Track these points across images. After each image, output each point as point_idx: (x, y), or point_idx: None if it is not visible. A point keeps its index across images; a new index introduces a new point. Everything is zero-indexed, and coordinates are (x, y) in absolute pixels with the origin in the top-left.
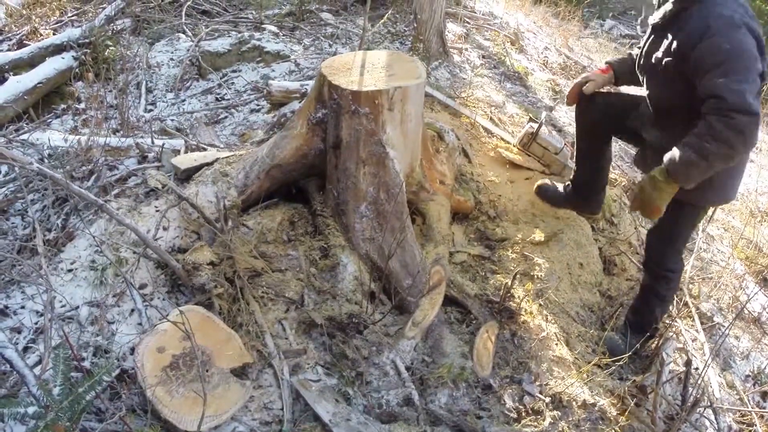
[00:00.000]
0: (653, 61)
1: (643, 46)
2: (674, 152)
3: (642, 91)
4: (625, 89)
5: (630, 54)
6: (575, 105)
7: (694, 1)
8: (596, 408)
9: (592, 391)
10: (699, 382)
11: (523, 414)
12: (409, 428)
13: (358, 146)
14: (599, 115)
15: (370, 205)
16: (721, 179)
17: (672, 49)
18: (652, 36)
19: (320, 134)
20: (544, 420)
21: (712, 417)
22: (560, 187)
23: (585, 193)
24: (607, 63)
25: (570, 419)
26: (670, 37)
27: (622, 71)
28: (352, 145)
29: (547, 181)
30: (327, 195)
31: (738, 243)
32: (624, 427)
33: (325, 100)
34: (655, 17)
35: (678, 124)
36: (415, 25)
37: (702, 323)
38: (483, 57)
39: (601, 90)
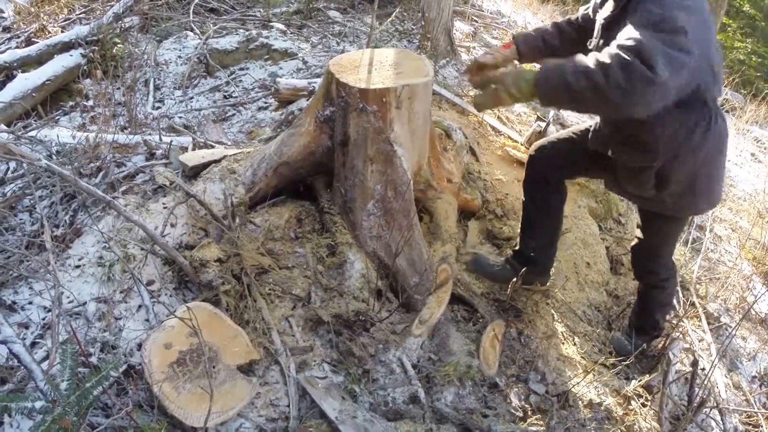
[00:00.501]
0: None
1: (593, 49)
2: (557, 62)
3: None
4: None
5: (539, 29)
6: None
7: None
8: (602, 407)
9: (598, 391)
10: (705, 382)
11: (530, 413)
12: (415, 426)
13: (365, 144)
14: (552, 158)
15: (378, 203)
16: (704, 185)
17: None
18: (602, 32)
19: (328, 132)
20: (551, 419)
21: (718, 418)
22: (496, 260)
23: (542, 260)
24: (512, 37)
25: (576, 418)
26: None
27: (528, 47)
28: (360, 142)
29: (481, 252)
30: (334, 192)
31: (745, 243)
32: (630, 426)
33: (333, 98)
34: (602, 14)
35: (640, 126)
36: (423, 23)
37: (709, 324)
38: None
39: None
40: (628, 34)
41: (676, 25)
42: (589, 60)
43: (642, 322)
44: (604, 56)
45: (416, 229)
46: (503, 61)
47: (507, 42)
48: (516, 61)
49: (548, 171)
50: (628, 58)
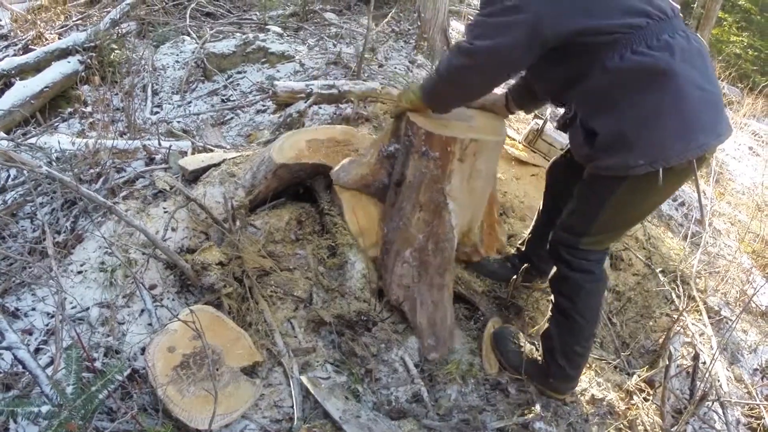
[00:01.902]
0: None
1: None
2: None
3: None
4: None
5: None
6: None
7: None
8: (604, 402)
9: (600, 386)
10: (707, 376)
11: (531, 409)
12: (418, 424)
13: (419, 189)
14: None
15: (416, 252)
16: (635, 133)
17: None
18: None
19: (387, 168)
20: (553, 415)
21: (720, 411)
22: (496, 258)
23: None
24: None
25: (578, 414)
26: None
27: (516, 93)
28: (414, 186)
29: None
30: (381, 228)
31: (745, 237)
32: (632, 421)
33: (400, 135)
34: None
35: (537, 82)
36: (419, 23)
37: (709, 317)
38: None
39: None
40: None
41: (502, 11)
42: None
43: (542, 343)
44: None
45: (447, 291)
46: (491, 105)
47: None
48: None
49: (567, 182)
50: (459, 43)
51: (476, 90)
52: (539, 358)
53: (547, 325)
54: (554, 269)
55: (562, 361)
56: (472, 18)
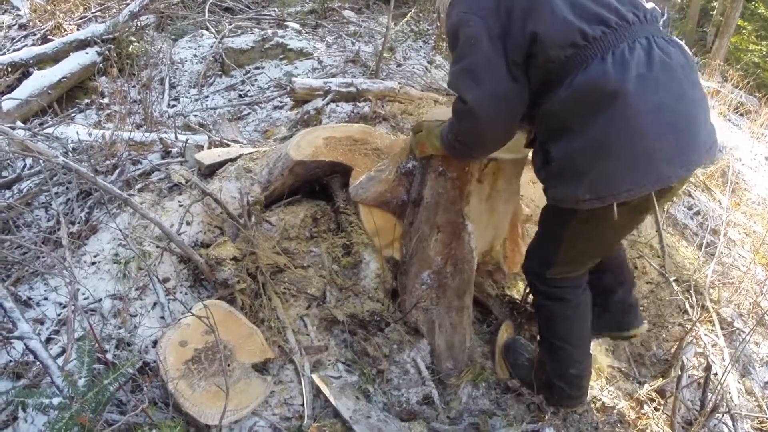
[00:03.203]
0: None
1: None
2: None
3: None
4: None
5: None
6: None
7: None
8: (615, 411)
9: (611, 394)
10: (718, 387)
11: (542, 415)
12: (428, 426)
13: (436, 210)
14: None
15: (434, 274)
16: (584, 163)
17: None
18: None
19: (406, 185)
20: (564, 422)
21: (731, 423)
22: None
23: None
24: None
25: (589, 422)
26: None
27: None
28: (431, 207)
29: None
30: (401, 246)
31: (759, 248)
32: (642, 431)
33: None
34: None
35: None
36: (438, 23)
37: (722, 328)
38: None
39: None
40: None
41: (458, 29)
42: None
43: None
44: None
45: (466, 314)
46: None
47: None
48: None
49: None
50: (454, 103)
51: (498, 140)
52: (541, 374)
53: (538, 350)
54: (533, 300)
55: (561, 383)
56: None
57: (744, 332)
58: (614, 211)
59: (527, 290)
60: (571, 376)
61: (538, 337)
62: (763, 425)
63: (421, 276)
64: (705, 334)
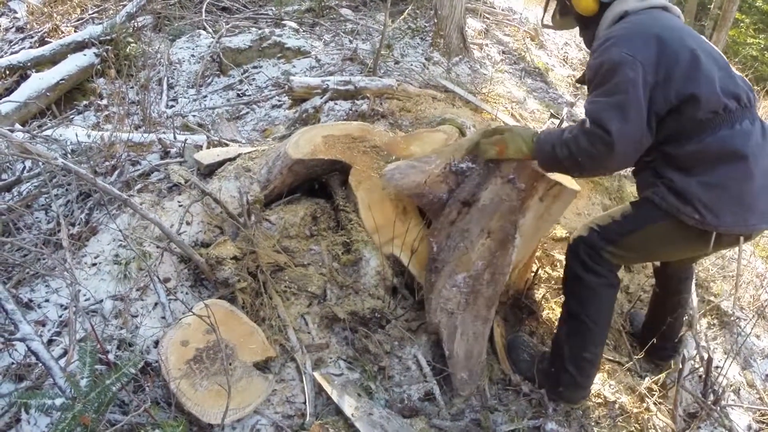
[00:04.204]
0: None
1: None
2: (551, 132)
3: None
4: None
5: (576, 80)
6: None
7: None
8: (617, 405)
9: (612, 388)
10: (719, 380)
11: (544, 410)
12: (430, 422)
13: (492, 215)
14: None
15: (470, 278)
16: (684, 189)
17: None
18: None
19: (451, 184)
20: (566, 417)
21: (732, 416)
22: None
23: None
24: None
25: (590, 416)
26: None
27: None
28: (488, 211)
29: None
30: (428, 243)
31: (759, 241)
32: (644, 424)
33: (479, 156)
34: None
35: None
36: (436, 21)
37: (723, 321)
38: (503, 53)
39: None
40: (585, 103)
41: (612, 72)
42: (569, 130)
43: (551, 351)
44: (576, 126)
45: (488, 327)
46: None
47: None
48: None
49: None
50: (587, 126)
51: (595, 171)
52: (550, 367)
53: (556, 331)
54: (566, 269)
55: (571, 368)
56: (588, 100)
57: (744, 325)
58: (711, 238)
59: (527, 286)
60: (584, 361)
61: (560, 316)
62: (765, 417)
63: (455, 277)
64: (706, 327)
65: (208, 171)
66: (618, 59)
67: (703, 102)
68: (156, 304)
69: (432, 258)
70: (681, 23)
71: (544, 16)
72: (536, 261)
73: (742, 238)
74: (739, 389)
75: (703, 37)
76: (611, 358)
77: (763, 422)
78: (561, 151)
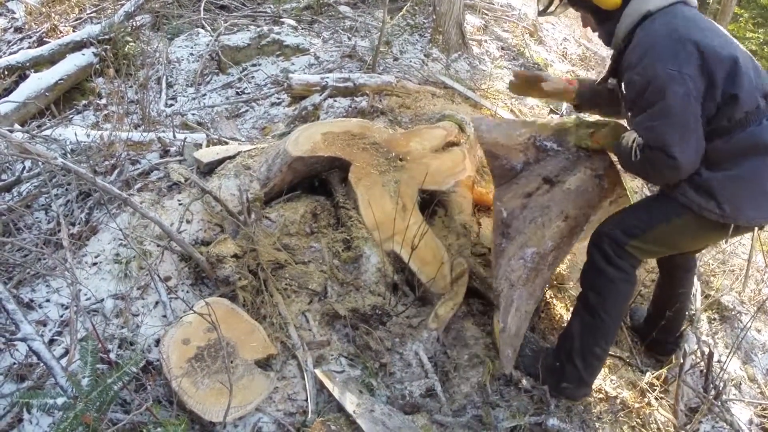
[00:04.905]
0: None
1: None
2: (626, 140)
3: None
4: None
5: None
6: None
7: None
8: (618, 400)
9: (613, 384)
10: (720, 374)
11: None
12: (431, 418)
13: (576, 201)
14: None
15: (537, 255)
16: (709, 185)
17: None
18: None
19: (529, 155)
20: (568, 412)
21: (734, 410)
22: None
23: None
24: (578, 80)
25: (592, 411)
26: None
27: (589, 99)
28: (572, 195)
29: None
30: (495, 205)
31: (760, 235)
32: (646, 419)
33: (567, 141)
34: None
35: None
36: (434, 17)
37: (723, 316)
38: (502, 49)
39: None
40: (636, 125)
41: (659, 89)
42: (633, 154)
43: (558, 345)
44: (639, 153)
45: (535, 304)
46: (553, 91)
47: (572, 79)
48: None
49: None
50: (650, 156)
51: (682, 178)
52: (555, 362)
53: (567, 325)
54: (588, 262)
55: (579, 362)
56: (643, 126)
57: (745, 319)
58: (729, 232)
59: None
60: (593, 356)
61: (573, 310)
62: (766, 412)
63: (525, 250)
64: (707, 322)
65: (208, 169)
66: (665, 77)
67: (742, 102)
68: (157, 302)
69: (502, 222)
70: (707, 20)
71: (539, 6)
72: None
73: (756, 229)
74: (740, 383)
75: (725, 30)
76: (612, 353)
77: (765, 416)
78: (636, 162)
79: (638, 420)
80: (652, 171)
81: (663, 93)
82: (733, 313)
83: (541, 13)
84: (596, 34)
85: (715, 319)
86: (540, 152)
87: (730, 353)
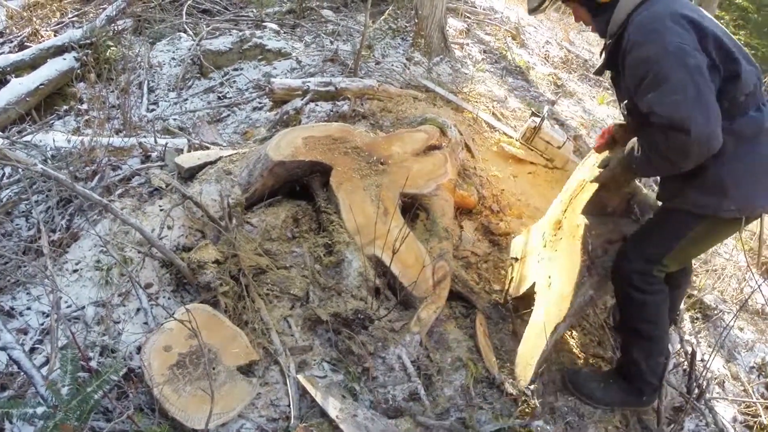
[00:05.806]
0: (625, 111)
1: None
2: (634, 146)
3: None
4: None
5: (594, 72)
6: None
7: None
8: None
9: None
10: (704, 373)
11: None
12: (415, 421)
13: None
14: None
15: (590, 299)
16: (719, 180)
17: (621, 88)
18: (614, 90)
19: (619, 207)
20: (551, 413)
21: (718, 408)
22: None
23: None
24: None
25: (575, 411)
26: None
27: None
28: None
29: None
30: (586, 234)
31: (741, 235)
32: (629, 418)
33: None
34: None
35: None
36: (416, 21)
37: (706, 315)
38: (484, 52)
39: None
40: (647, 107)
41: (668, 62)
42: (649, 147)
43: (622, 364)
44: (656, 140)
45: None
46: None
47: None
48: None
49: None
50: (669, 137)
51: (691, 164)
52: (630, 387)
53: (624, 354)
54: (625, 300)
55: (652, 378)
56: (655, 101)
57: (727, 318)
58: (742, 223)
59: (508, 286)
60: (659, 366)
61: (628, 342)
62: (750, 409)
63: (589, 291)
64: (689, 321)
65: (189, 174)
66: (674, 50)
67: (743, 81)
68: (138, 309)
69: (588, 255)
70: (695, 6)
71: (530, 4)
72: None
73: (764, 215)
74: (724, 382)
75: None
76: (593, 354)
77: (748, 414)
78: (653, 162)
79: (622, 420)
80: (676, 155)
81: (673, 67)
82: (715, 312)
83: (531, 12)
84: (590, 27)
85: (697, 319)
86: (628, 211)
87: (713, 352)
